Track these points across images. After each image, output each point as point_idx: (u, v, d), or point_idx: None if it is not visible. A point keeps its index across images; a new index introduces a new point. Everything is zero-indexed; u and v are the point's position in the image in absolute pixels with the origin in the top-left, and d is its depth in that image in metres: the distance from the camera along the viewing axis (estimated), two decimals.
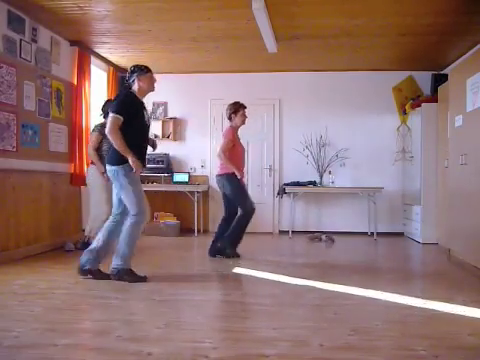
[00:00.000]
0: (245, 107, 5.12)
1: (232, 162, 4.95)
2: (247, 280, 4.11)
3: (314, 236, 6.66)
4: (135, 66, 3.98)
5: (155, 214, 7.08)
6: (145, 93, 3.96)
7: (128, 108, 3.75)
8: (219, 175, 5.06)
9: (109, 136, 3.71)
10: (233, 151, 5.01)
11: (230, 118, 5.08)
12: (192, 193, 7.13)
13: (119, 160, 3.71)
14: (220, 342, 2.48)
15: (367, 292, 3.52)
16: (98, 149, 5.13)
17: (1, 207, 4.62)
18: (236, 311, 3.18)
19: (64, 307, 3.12)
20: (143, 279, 3.81)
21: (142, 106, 3.88)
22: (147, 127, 3.95)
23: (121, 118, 3.69)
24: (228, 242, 4.98)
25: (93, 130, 5.23)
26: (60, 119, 5.74)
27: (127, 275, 3.78)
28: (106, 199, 4.92)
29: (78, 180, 5.97)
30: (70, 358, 2.27)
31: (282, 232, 7.37)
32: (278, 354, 2.29)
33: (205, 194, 7.52)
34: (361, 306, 3.21)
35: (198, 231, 7.21)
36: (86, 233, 5.28)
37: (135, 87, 3.89)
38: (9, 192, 4.74)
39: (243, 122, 5.11)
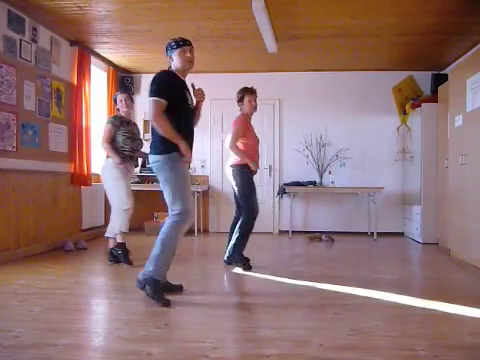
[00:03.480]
0: (252, 92, 4.58)
1: (246, 154, 4.51)
2: (247, 280, 4.10)
3: (314, 236, 6.65)
4: (169, 42, 3.39)
5: (155, 214, 7.09)
6: (182, 73, 3.39)
7: (168, 89, 3.25)
8: (233, 165, 4.54)
9: (154, 123, 3.24)
10: (245, 142, 4.54)
11: (239, 107, 4.62)
12: (192, 193, 7.13)
13: (165, 148, 3.22)
14: (220, 342, 2.48)
15: (367, 292, 3.52)
16: (112, 142, 4.62)
17: (1, 207, 4.62)
18: (236, 311, 3.18)
19: (64, 307, 3.12)
20: (167, 303, 3.12)
21: (183, 86, 3.38)
22: (191, 111, 3.43)
23: (164, 101, 3.20)
24: (236, 253, 4.52)
25: (106, 122, 4.77)
26: (60, 119, 5.74)
27: (150, 287, 3.18)
28: (126, 192, 4.60)
29: (78, 180, 5.98)
30: (70, 358, 2.26)
31: (282, 232, 7.37)
32: (278, 354, 2.29)
33: (205, 194, 7.51)
34: (361, 306, 3.21)
35: (198, 231, 7.21)
36: (109, 235, 4.73)
37: (172, 67, 3.38)
38: (9, 192, 4.74)
39: (253, 109, 4.59)
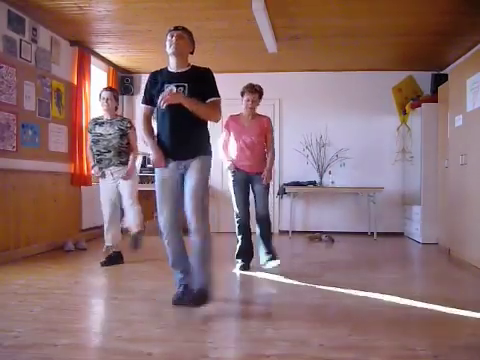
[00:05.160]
0: (251, 91, 4.36)
1: (225, 152, 4.47)
2: (247, 280, 4.10)
3: (314, 236, 6.65)
4: None
5: (155, 214, 7.07)
6: (173, 62, 3.17)
7: (147, 91, 3.19)
8: None
9: None
10: (233, 143, 4.45)
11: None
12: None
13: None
14: (220, 342, 2.48)
15: (367, 292, 3.52)
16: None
17: (1, 207, 4.62)
18: (236, 311, 3.18)
19: (64, 307, 3.12)
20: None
21: (166, 80, 3.10)
22: (169, 107, 2.99)
23: (144, 106, 3.19)
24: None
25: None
26: (60, 119, 5.74)
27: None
28: (101, 197, 4.81)
29: (78, 180, 5.97)
30: (70, 358, 2.26)
31: (282, 232, 7.36)
32: (278, 354, 2.29)
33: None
34: (361, 306, 3.21)
35: None
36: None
37: None
38: (9, 192, 4.73)
39: (246, 109, 4.39)
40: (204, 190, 3.17)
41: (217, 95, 3.23)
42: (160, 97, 2.98)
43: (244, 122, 4.46)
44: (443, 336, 2.59)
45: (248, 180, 4.47)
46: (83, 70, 6.11)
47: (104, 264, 4.55)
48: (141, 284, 3.79)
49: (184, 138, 3.11)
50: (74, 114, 5.98)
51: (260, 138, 4.45)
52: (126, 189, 4.62)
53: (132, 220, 4.66)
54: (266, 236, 4.56)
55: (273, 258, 4.46)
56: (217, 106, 3.22)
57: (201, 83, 3.17)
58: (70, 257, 5.09)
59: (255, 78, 7.27)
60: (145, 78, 8.34)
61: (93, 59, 6.45)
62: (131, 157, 4.61)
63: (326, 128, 7.27)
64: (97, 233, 6.53)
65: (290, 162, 7.45)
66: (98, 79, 6.86)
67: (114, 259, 4.65)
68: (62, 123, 5.78)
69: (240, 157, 4.43)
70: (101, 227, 6.63)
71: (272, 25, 5.16)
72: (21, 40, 4.95)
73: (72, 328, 2.68)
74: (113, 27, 5.45)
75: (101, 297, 3.57)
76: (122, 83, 7.44)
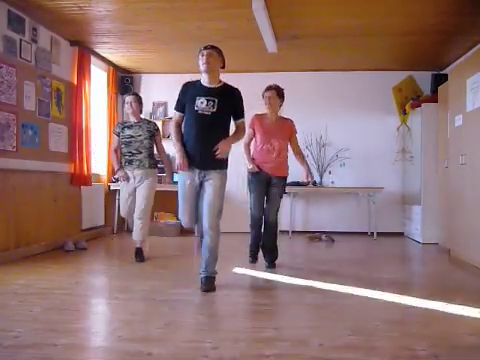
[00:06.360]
0: (267, 89, 4.49)
1: (247, 152, 4.53)
2: (247, 280, 4.10)
3: (314, 236, 6.66)
4: None
5: (155, 214, 7.08)
6: (205, 77, 3.54)
7: (179, 100, 3.59)
8: None
9: None
10: (255, 143, 4.52)
11: None
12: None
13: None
14: (220, 342, 2.47)
15: (367, 292, 3.52)
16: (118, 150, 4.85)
17: (1, 207, 4.62)
18: (236, 311, 3.18)
19: (64, 307, 3.12)
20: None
21: (197, 92, 3.48)
22: (200, 116, 3.44)
23: (177, 113, 3.60)
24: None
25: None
26: (60, 119, 5.74)
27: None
28: (121, 200, 4.90)
29: (78, 180, 5.97)
30: (70, 358, 2.26)
31: (282, 232, 7.33)
32: (278, 354, 2.29)
33: None
34: (361, 306, 3.21)
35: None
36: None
37: None
38: (9, 192, 4.73)
39: (266, 106, 4.49)
40: (221, 202, 3.57)
41: (243, 115, 3.63)
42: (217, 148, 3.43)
43: (269, 123, 4.54)
44: (443, 336, 2.59)
45: (267, 181, 4.51)
46: (83, 70, 6.11)
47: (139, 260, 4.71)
48: (141, 284, 3.79)
49: (210, 151, 3.44)
50: (74, 114, 5.98)
51: (286, 141, 4.59)
52: (140, 201, 4.73)
53: (136, 233, 4.76)
54: (270, 246, 4.60)
55: (272, 266, 4.53)
56: (244, 128, 3.67)
57: (230, 100, 3.53)
58: (70, 257, 5.09)
59: (255, 78, 7.32)
60: (145, 78, 8.41)
61: (93, 59, 6.45)
62: (165, 160, 4.94)
63: (326, 128, 7.27)
64: (97, 233, 6.54)
65: (290, 162, 7.38)
66: (98, 79, 6.86)
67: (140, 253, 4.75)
68: (62, 123, 5.78)
69: (265, 158, 4.48)
70: (101, 227, 6.67)
71: (272, 25, 5.16)
72: (21, 40, 4.95)
73: (72, 328, 2.67)
74: (113, 27, 5.45)
75: (101, 297, 3.57)
76: (122, 83, 7.44)
